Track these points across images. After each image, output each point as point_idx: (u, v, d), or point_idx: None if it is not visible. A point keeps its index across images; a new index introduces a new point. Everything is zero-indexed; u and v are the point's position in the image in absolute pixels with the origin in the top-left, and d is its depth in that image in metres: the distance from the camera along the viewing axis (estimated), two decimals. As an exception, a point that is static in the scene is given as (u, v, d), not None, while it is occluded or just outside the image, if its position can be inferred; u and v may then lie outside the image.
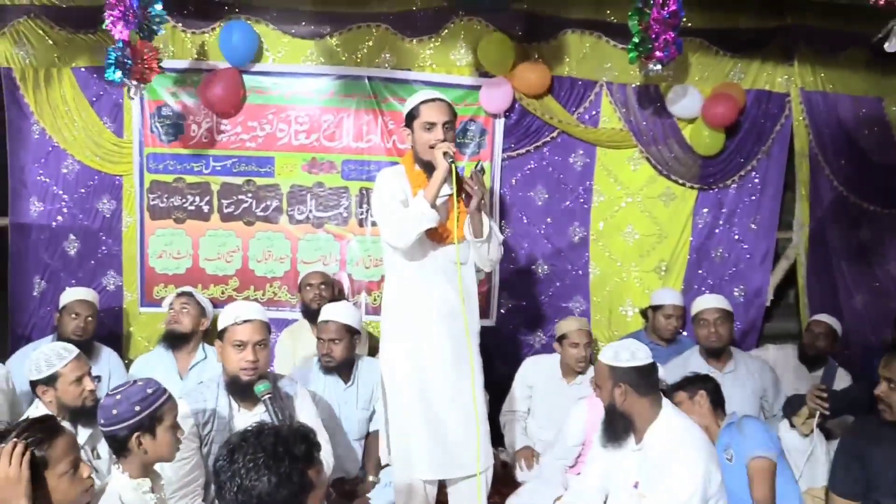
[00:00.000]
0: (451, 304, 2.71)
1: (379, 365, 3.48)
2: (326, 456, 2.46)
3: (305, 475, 1.55)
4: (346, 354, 3.27)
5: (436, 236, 2.72)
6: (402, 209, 2.64)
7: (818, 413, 2.90)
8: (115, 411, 1.97)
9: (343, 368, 3.31)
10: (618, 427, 2.50)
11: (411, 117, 2.72)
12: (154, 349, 3.73)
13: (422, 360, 2.72)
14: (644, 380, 2.47)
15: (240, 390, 2.47)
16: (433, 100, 2.71)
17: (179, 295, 3.69)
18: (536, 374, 3.61)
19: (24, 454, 1.70)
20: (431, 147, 2.64)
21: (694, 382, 2.84)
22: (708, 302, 3.61)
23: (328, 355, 3.25)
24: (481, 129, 4.06)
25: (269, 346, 2.59)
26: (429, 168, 2.69)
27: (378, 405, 3.33)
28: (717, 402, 2.81)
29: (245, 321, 2.45)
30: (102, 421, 1.99)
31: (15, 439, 1.72)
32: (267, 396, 2.33)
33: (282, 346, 3.86)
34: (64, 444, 1.80)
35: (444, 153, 2.59)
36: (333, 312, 3.30)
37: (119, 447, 2.00)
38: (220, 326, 2.55)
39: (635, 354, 2.48)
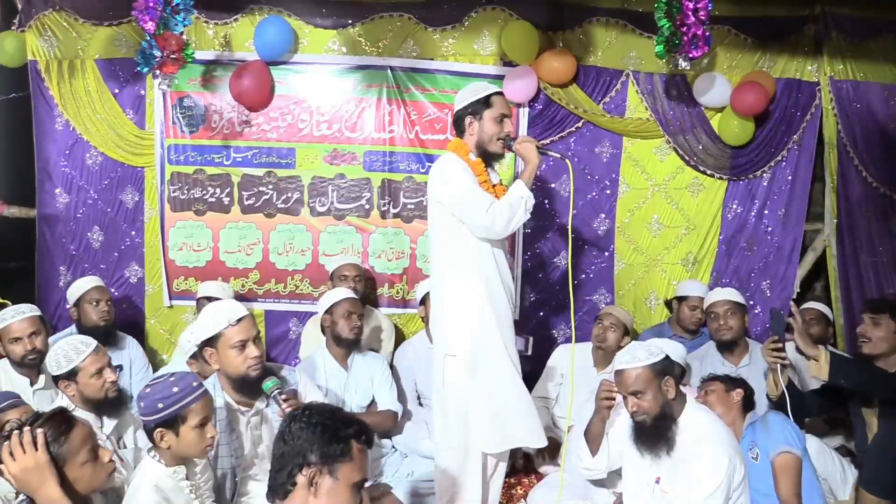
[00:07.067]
0: (510, 286, 2.77)
1: (381, 358, 3.54)
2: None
3: (349, 443, 1.62)
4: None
5: None
6: (494, 199, 2.62)
7: (779, 367, 2.87)
8: (142, 404, 1.98)
9: (350, 347, 3.37)
10: (667, 431, 2.43)
11: (481, 106, 2.69)
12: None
13: (505, 338, 2.70)
14: (676, 369, 2.45)
15: (248, 387, 2.38)
16: (501, 92, 2.79)
17: None
18: (568, 361, 3.56)
19: (38, 440, 1.71)
20: (500, 139, 2.69)
21: (734, 381, 2.85)
22: (717, 294, 3.54)
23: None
24: (505, 120, 4.02)
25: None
26: (487, 157, 2.73)
27: (381, 392, 3.39)
28: (748, 404, 2.83)
29: (238, 320, 2.33)
30: (135, 410, 2.01)
31: (28, 428, 1.73)
32: (276, 392, 2.31)
33: (307, 335, 3.85)
34: (79, 434, 1.81)
35: (537, 147, 2.71)
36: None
37: (149, 438, 2.01)
38: (203, 336, 2.35)
39: (659, 347, 2.49)
